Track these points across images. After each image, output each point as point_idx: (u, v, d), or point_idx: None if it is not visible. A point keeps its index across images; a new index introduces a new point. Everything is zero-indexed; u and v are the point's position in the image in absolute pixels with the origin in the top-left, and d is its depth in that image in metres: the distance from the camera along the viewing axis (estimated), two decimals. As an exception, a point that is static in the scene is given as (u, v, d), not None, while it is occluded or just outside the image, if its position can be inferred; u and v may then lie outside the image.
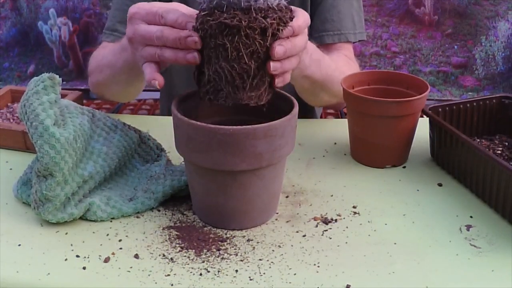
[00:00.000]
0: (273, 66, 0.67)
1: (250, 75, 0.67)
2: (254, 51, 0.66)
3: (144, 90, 1.03)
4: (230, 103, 0.68)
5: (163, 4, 0.74)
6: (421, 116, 0.90)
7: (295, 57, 0.71)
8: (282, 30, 0.67)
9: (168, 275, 0.64)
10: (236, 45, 0.65)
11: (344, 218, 0.75)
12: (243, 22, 0.64)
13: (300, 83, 0.92)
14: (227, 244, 0.70)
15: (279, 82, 0.70)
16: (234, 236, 0.71)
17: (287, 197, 0.80)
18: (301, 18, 0.70)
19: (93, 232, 0.72)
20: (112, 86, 0.98)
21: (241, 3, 0.64)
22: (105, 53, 0.98)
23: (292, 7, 0.71)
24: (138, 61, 0.75)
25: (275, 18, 0.66)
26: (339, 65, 0.99)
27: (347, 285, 0.63)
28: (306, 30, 0.73)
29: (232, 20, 0.64)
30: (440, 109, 0.89)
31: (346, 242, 0.70)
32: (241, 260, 0.67)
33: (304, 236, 0.72)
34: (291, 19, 0.68)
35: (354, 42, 1.11)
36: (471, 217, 0.76)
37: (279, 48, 0.66)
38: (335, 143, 0.96)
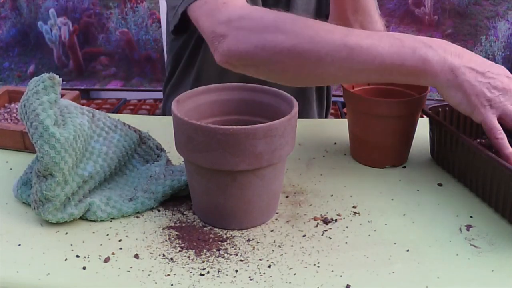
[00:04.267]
0: None
1: None
2: None
3: (144, 90, 1.02)
4: None
5: None
6: (421, 116, 0.90)
7: None
8: None
9: (168, 275, 0.64)
10: None
11: (344, 218, 0.75)
12: None
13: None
14: (227, 244, 0.70)
15: None
16: (234, 236, 0.71)
17: (287, 197, 0.80)
18: None
19: (93, 232, 0.72)
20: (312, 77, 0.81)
21: None
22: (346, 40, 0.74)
23: None
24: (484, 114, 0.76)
25: None
26: None
27: (347, 285, 0.63)
28: None
29: None
30: (440, 109, 0.89)
31: (346, 242, 0.70)
32: (241, 260, 0.67)
33: (304, 236, 0.72)
34: None
35: None
36: (471, 217, 0.76)
37: None
38: (335, 143, 0.96)
